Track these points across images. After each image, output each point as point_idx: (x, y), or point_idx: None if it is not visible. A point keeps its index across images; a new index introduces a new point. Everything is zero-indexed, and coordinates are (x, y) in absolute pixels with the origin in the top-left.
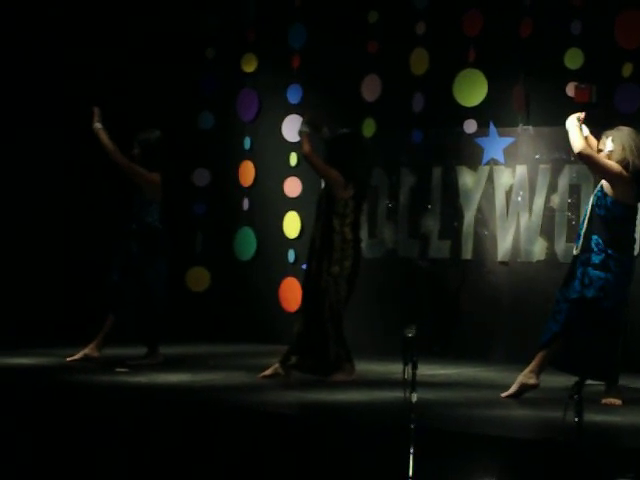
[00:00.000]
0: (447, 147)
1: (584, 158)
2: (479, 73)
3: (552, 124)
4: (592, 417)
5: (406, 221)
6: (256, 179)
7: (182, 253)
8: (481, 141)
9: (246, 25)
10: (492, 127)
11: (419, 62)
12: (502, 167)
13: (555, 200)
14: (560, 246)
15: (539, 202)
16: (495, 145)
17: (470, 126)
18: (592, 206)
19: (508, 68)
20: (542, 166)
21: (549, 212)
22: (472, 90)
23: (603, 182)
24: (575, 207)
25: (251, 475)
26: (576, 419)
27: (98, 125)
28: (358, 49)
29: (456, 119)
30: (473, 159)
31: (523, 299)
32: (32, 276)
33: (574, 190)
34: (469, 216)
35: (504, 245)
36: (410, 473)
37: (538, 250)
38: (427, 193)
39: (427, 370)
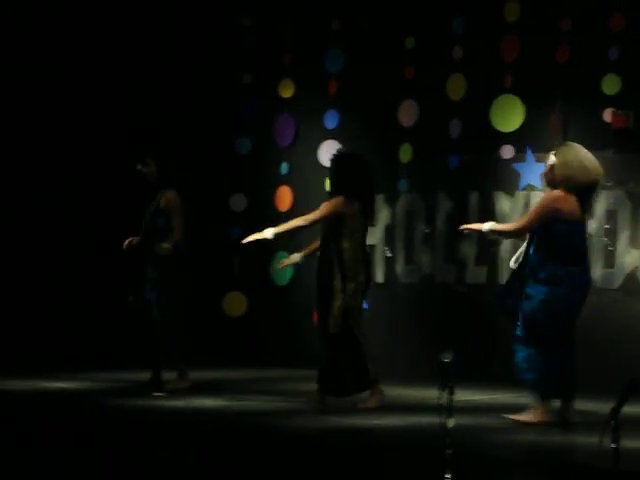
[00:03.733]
0: (484, 172)
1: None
2: (516, 99)
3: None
4: (629, 443)
5: (443, 246)
6: (293, 204)
7: (219, 278)
8: (518, 166)
9: (283, 50)
10: (529, 153)
11: (456, 87)
12: (539, 192)
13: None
14: (597, 272)
15: None
16: (532, 171)
17: (507, 151)
18: None
19: (545, 94)
20: None
21: None
22: (509, 116)
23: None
24: (612, 233)
25: None
26: (613, 445)
27: None
28: (395, 74)
29: (493, 144)
30: (510, 184)
31: None
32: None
33: (611, 216)
34: (506, 242)
35: None
36: None
37: None
38: (464, 218)
39: (463, 395)
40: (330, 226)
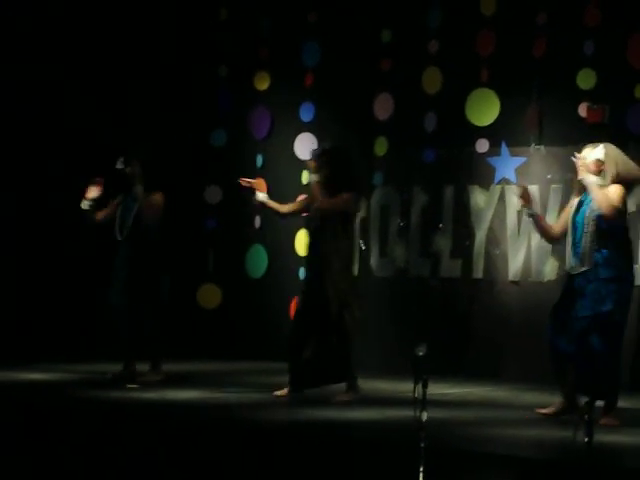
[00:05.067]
0: (459, 166)
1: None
2: (491, 92)
3: (564, 144)
4: (602, 437)
5: (417, 240)
6: (268, 196)
7: (194, 270)
8: (493, 160)
9: (259, 42)
10: (504, 147)
11: (432, 81)
12: (514, 187)
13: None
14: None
15: (551, 222)
16: (507, 165)
17: (482, 145)
18: (592, 220)
19: (520, 88)
20: (554, 186)
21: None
22: (484, 109)
23: (597, 196)
24: None
25: None
26: (586, 439)
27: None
28: (371, 67)
29: (468, 138)
30: (485, 178)
31: (533, 319)
32: (37, 291)
33: None
34: (480, 235)
35: (515, 264)
36: None
37: (549, 270)
38: (439, 212)
39: (437, 389)
40: (332, 222)
